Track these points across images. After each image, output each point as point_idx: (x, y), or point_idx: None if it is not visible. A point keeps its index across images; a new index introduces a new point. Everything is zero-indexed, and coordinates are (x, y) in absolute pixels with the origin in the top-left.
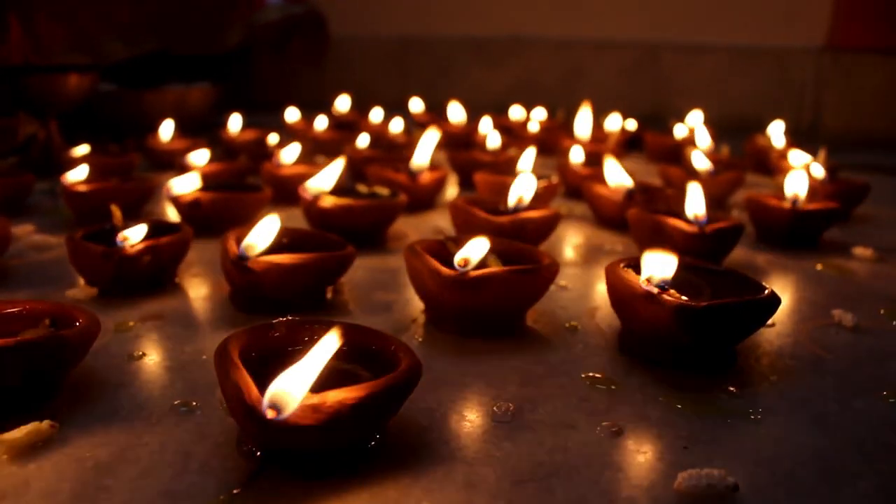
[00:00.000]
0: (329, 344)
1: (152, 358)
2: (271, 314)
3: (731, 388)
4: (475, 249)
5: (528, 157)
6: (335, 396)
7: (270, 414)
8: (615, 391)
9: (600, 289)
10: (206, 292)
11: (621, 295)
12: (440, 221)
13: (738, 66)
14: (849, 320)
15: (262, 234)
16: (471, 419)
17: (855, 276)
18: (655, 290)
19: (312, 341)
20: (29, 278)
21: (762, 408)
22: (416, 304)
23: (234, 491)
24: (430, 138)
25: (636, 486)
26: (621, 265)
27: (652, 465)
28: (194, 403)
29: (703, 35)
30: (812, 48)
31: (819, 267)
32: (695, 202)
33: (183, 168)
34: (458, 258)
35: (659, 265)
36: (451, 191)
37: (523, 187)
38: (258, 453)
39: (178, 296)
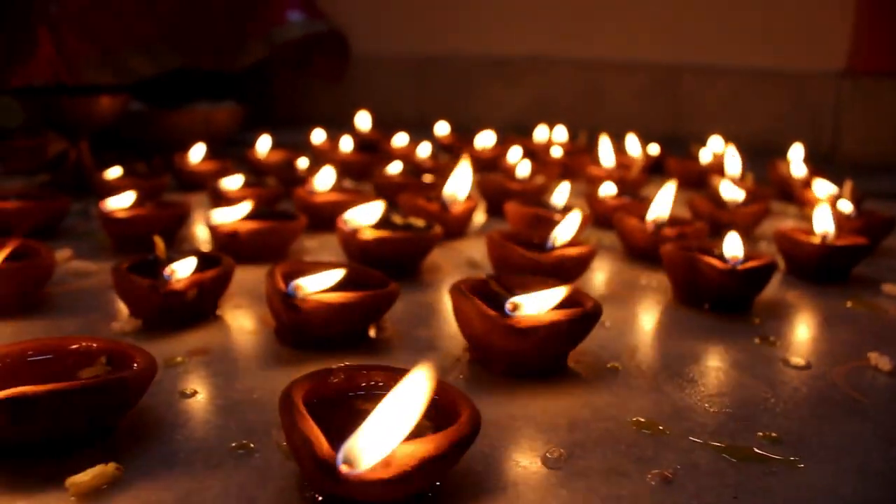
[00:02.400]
0: (416, 409)
1: (203, 396)
2: (316, 350)
3: (773, 434)
4: (533, 302)
5: (562, 192)
6: (404, 451)
7: (345, 469)
8: (660, 436)
9: (638, 326)
10: (249, 326)
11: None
12: (472, 252)
13: (757, 88)
14: (885, 363)
15: (319, 281)
16: (524, 465)
17: (886, 314)
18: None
19: (371, 387)
20: (72, 308)
21: (805, 455)
22: (458, 341)
23: None
24: (465, 172)
25: None
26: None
27: None
28: (252, 445)
29: (723, 57)
30: (832, 72)
31: (849, 304)
32: (732, 245)
33: (217, 194)
34: (510, 304)
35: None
36: (480, 217)
37: (569, 227)
38: (320, 498)
39: (222, 329)
